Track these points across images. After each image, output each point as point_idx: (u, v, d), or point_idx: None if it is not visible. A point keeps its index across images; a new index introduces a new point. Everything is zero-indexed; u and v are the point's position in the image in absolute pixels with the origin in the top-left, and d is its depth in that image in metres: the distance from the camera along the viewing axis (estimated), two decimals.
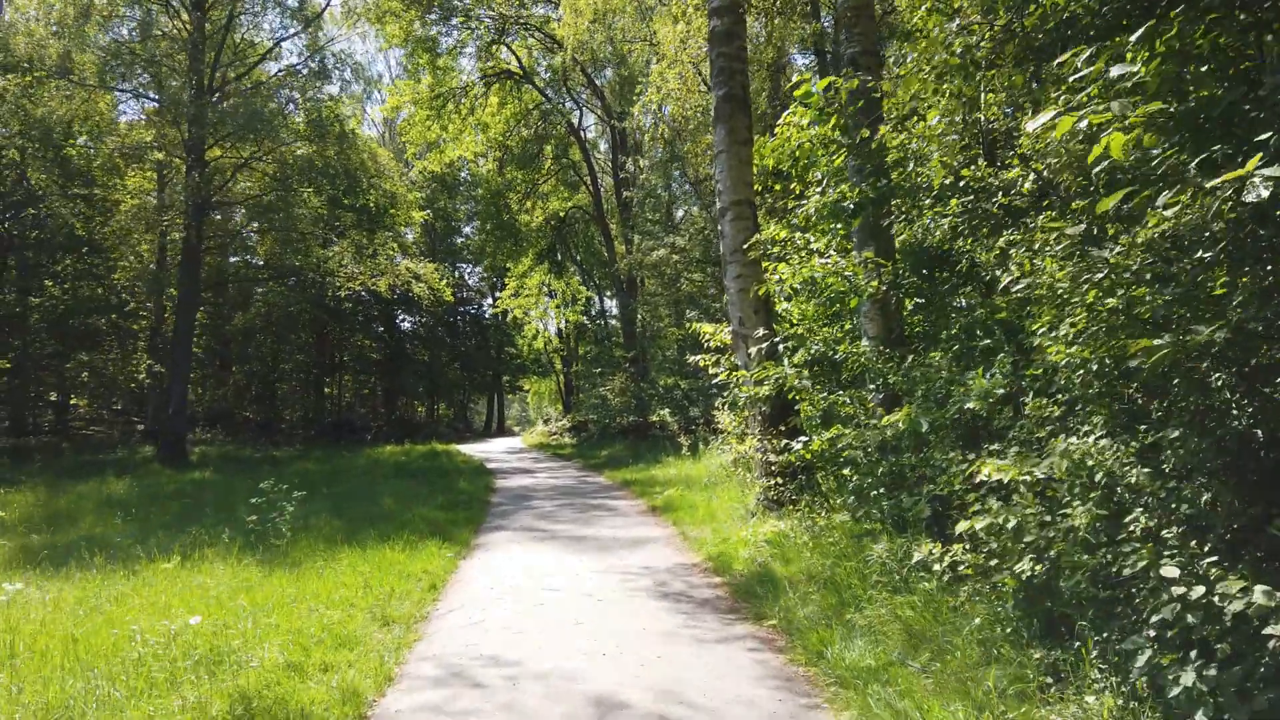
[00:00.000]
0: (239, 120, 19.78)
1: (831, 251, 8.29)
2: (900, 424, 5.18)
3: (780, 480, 7.97)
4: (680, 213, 32.30)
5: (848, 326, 8.85)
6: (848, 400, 6.74)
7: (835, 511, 6.93)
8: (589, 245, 37.05)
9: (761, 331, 8.40)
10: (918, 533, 5.19)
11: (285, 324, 29.64)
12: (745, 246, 8.54)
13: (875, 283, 6.52)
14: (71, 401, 31.03)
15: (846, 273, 6.74)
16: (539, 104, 28.55)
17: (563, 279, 31.99)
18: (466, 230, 42.51)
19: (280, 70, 23.55)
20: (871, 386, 6.83)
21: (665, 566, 7.11)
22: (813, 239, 8.74)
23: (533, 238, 30.96)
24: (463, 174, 37.97)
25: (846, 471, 6.45)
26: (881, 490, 5.73)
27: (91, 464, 21.06)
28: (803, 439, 7.01)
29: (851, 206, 6.26)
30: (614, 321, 42.74)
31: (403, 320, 38.67)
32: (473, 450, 25.51)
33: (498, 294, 35.57)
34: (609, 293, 39.10)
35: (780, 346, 8.20)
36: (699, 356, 11.14)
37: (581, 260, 37.61)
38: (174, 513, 11.88)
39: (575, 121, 29.18)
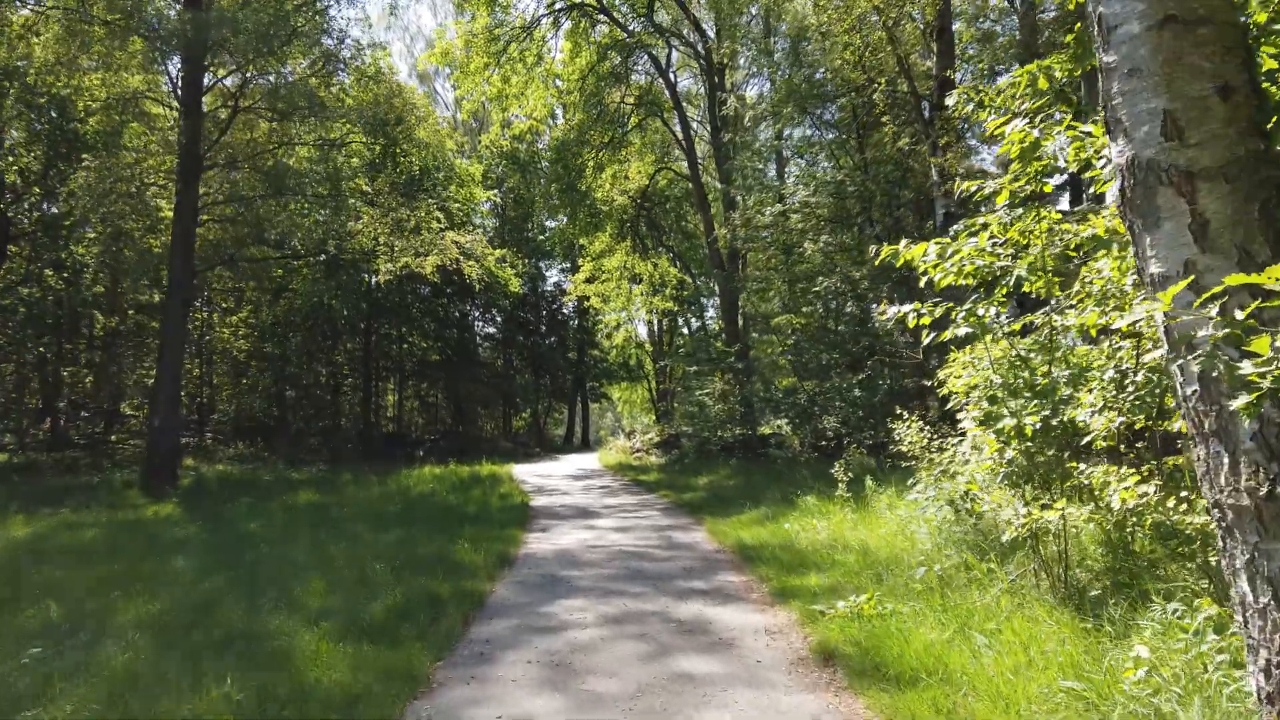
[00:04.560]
0: (229, 28, 14.88)
1: None
2: None
3: None
4: (791, 177, 25.94)
5: None
6: None
7: None
8: (679, 223, 31.15)
9: None
10: None
11: (320, 318, 24.96)
12: None
13: None
14: (123, 409, 27.60)
15: None
16: (618, 41, 22.95)
17: (648, 260, 26.16)
18: (549, 223, 37.47)
19: None
20: None
21: None
22: None
23: (612, 210, 25.32)
24: (542, 164, 32.82)
25: None
26: None
27: (64, 490, 16.89)
28: None
29: None
30: (712, 319, 36.72)
31: (473, 318, 33.76)
32: (531, 473, 19.93)
33: (571, 280, 30.14)
34: (707, 284, 33.09)
35: None
36: (904, 310, 5.19)
37: (673, 245, 31.78)
38: None
39: (662, 60, 23.41)
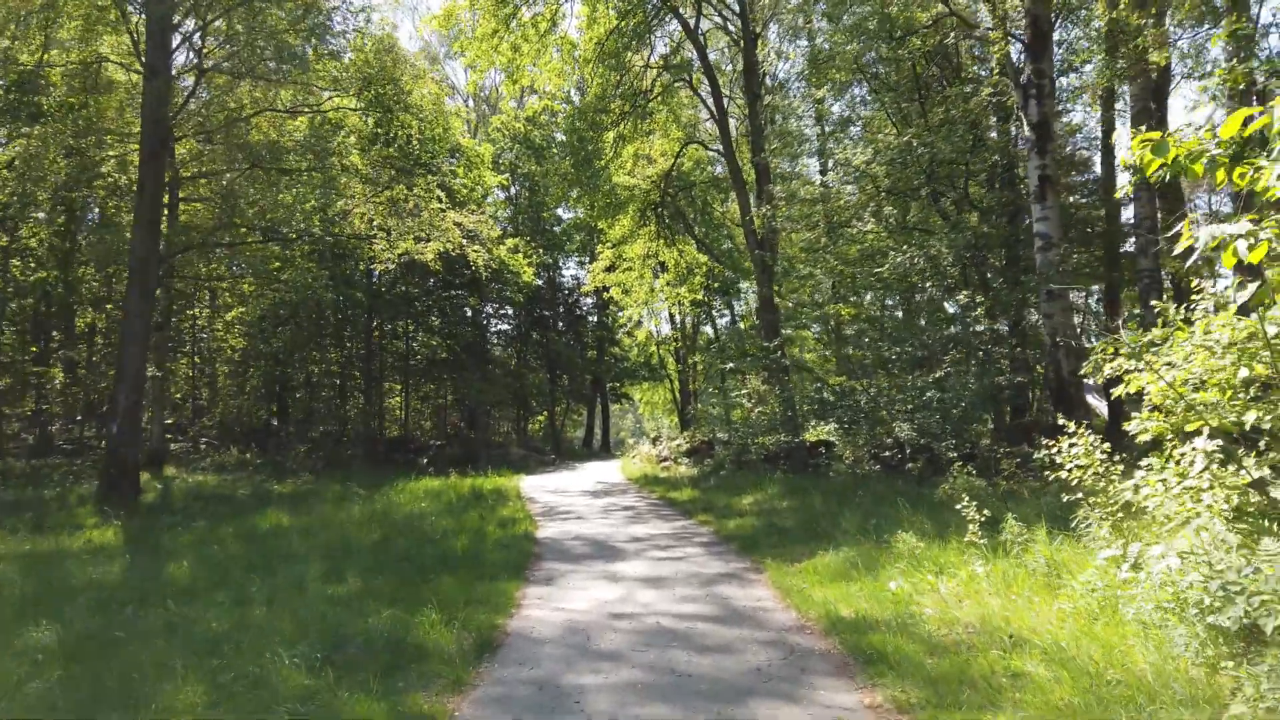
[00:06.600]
0: None
1: None
2: None
3: None
4: (837, 153, 23.24)
5: None
6: None
7: None
8: (705, 212, 28.47)
9: None
10: None
11: (313, 312, 22.64)
12: None
13: None
14: None
15: None
16: (641, 2, 20.42)
17: (674, 247, 23.58)
18: (565, 215, 34.98)
19: None
20: None
21: None
22: None
23: (634, 194, 22.78)
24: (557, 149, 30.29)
25: None
26: None
27: (10, 506, 14.76)
28: None
29: None
30: (740, 315, 34.02)
31: (485, 314, 31.29)
32: (543, 487, 17.42)
33: (589, 271, 27.55)
34: (734, 281, 30.38)
35: None
36: (1225, 230, 2.51)
37: (700, 236, 29.15)
38: None
39: (691, 22, 20.85)
